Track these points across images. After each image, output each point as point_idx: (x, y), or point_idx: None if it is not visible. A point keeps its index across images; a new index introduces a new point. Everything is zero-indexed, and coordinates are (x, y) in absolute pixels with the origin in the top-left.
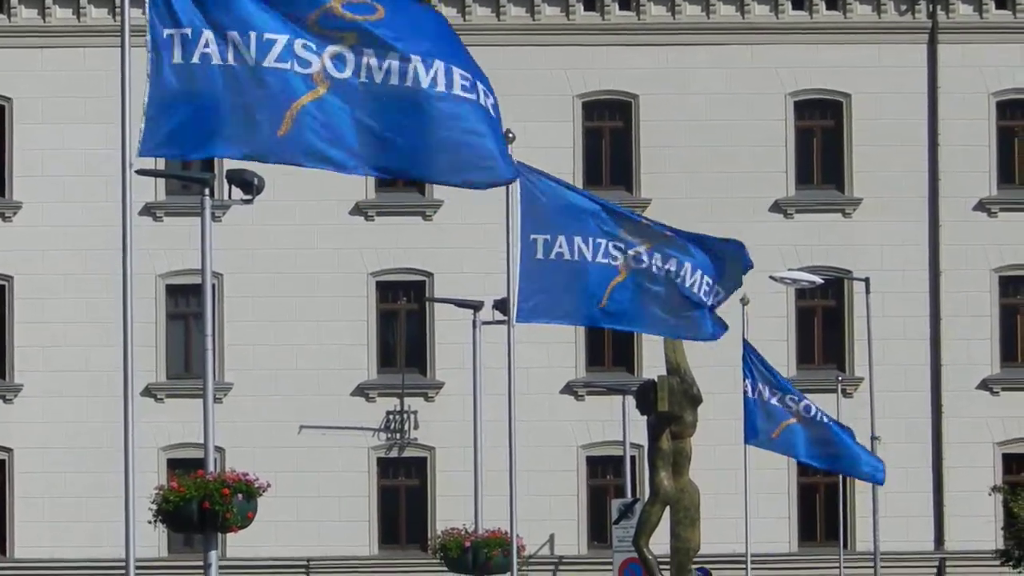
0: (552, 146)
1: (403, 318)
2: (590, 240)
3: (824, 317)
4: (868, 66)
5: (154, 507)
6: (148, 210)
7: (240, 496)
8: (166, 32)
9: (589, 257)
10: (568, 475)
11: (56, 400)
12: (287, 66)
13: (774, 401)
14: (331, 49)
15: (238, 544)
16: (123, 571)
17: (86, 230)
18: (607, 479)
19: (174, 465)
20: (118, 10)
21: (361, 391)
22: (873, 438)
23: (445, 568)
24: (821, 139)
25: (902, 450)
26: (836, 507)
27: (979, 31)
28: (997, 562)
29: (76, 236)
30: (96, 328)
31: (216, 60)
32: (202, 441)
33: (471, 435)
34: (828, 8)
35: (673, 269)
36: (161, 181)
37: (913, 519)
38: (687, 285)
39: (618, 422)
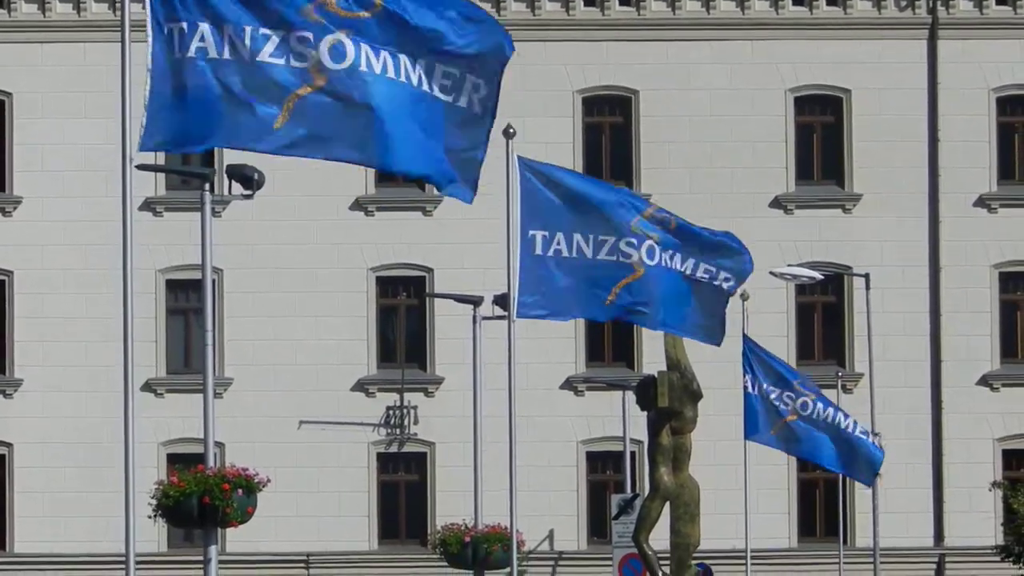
0: (552, 142)
1: (403, 313)
2: (591, 237)
3: (824, 313)
4: (868, 62)
5: (154, 502)
6: (148, 205)
7: (240, 491)
8: (165, 27)
9: (590, 254)
10: (568, 471)
11: (56, 395)
12: (282, 62)
13: (773, 397)
14: (329, 38)
15: (238, 539)
16: (123, 566)
17: (86, 225)
18: (607, 475)
19: (174, 460)
20: (118, 5)
21: (361, 386)
22: (873, 434)
23: (445, 563)
24: (821, 135)
25: (902, 446)
26: (836, 503)
27: (979, 27)
28: (997, 558)
29: (76, 231)
30: (96, 323)
31: (213, 54)
32: (202, 436)
33: (471, 430)
34: (828, 4)
35: (691, 264)
36: (161, 176)
37: (913, 515)
38: (699, 276)
39: (618, 418)
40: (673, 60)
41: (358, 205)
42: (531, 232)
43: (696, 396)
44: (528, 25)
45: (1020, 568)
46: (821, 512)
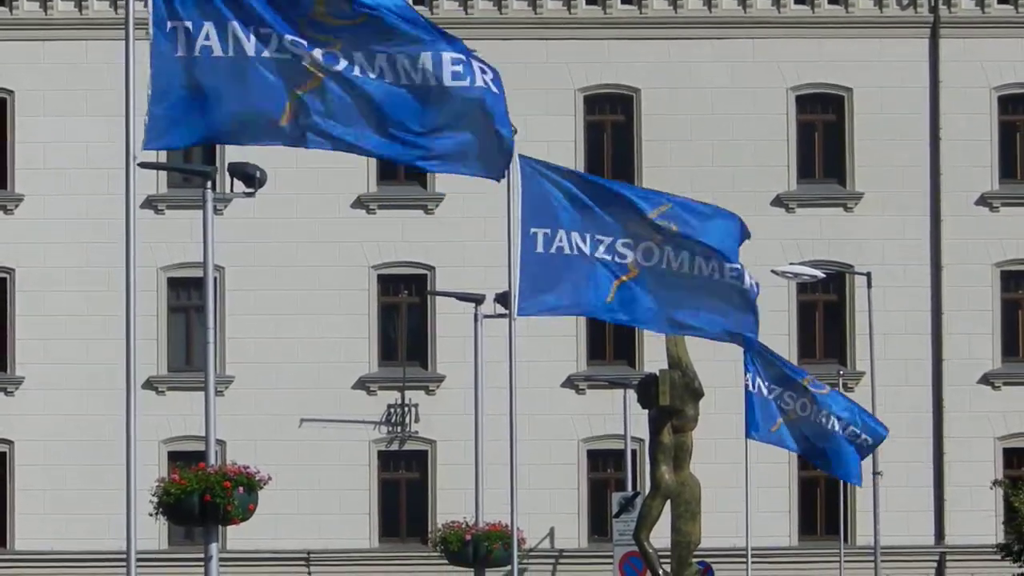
0: (554, 140)
1: (404, 311)
2: (588, 236)
3: (825, 311)
4: (870, 60)
5: (155, 500)
6: (150, 203)
7: (241, 489)
8: (168, 25)
9: (588, 253)
10: (569, 468)
11: (57, 393)
12: (286, 56)
13: (774, 396)
14: (324, 49)
15: (238, 537)
16: (124, 563)
17: (87, 223)
18: (608, 473)
19: (175, 458)
20: (120, 3)
21: (362, 384)
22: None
23: (446, 561)
24: (823, 133)
25: (903, 445)
26: (837, 501)
27: (981, 26)
28: (998, 556)
29: (77, 229)
30: (97, 321)
31: (217, 52)
32: (203, 434)
33: (472, 428)
34: (830, 2)
35: (687, 262)
36: (163, 174)
37: (914, 513)
38: (706, 274)
39: (619, 416)
40: (675, 58)
41: (360, 203)
42: (533, 230)
43: (697, 394)
44: (530, 23)
45: (1021, 566)
46: (822, 510)
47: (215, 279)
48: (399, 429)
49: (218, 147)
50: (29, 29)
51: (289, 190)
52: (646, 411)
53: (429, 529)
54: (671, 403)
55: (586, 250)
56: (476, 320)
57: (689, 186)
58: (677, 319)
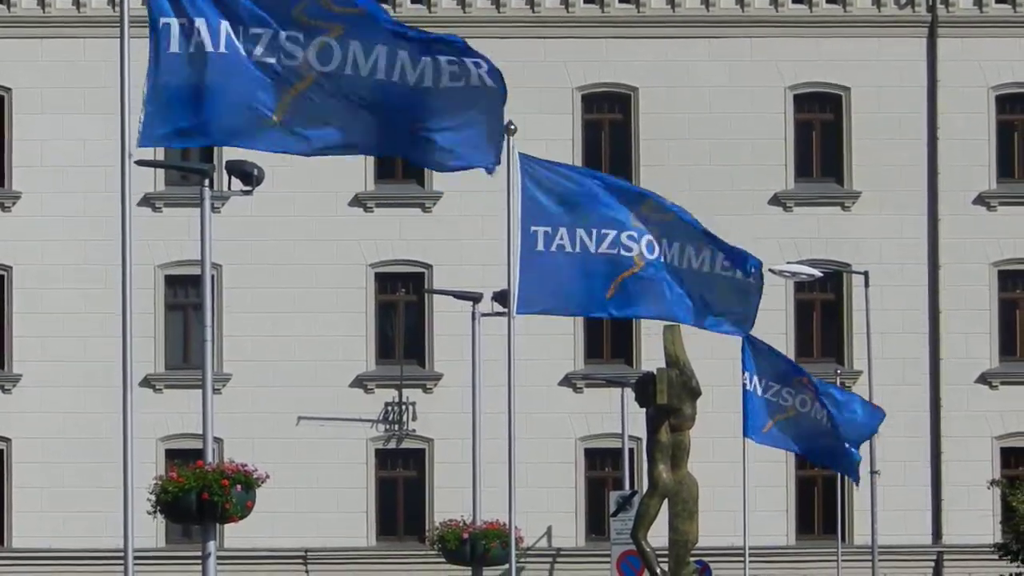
0: (552, 138)
1: (402, 310)
2: (594, 231)
3: (823, 310)
4: (868, 60)
5: (153, 498)
6: (147, 200)
7: (239, 487)
8: (163, 22)
9: (592, 248)
10: (566, 467)
11: (54, 390)
12: (273, 60)
13: (770, 395)
14: (317, 41)
15: (236, 535)
16: (121, 561)
17: (85, 221)
18: (605, 471)
19: (172, 456)
20: (117, 1)
21: (360, 382)
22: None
23: (443, 560)
24: (820, 132)
25: (900, 444)
26: (834, 500)
27: (979, 25)
28: (995, 556)
29: (75, 227)
30: (95, 318)
31: (210, 49)
32: (200, 432)
33: (469, 427)
34: (828, 1)
35: (679, 255)
36: (160, 172)
37: (911, 513)
38: (707, 269)
39: (617, 414)
40: (672, 57)
41: (357, 201)
42: (533, 228)
43: (695, 393)
44: (528, 22)
45: (1019, 566)
46: (819, 509)
47: (212, 277)
48: (396, 427)
49: (216, 146)
50: (26, 26)
51: (287, 188)
52: (644, 410)
53: (427, 527)
54: (669, 402)
55: (591, 246)
56: (474, 318)
57: (687, 185)
58: (679, 312)
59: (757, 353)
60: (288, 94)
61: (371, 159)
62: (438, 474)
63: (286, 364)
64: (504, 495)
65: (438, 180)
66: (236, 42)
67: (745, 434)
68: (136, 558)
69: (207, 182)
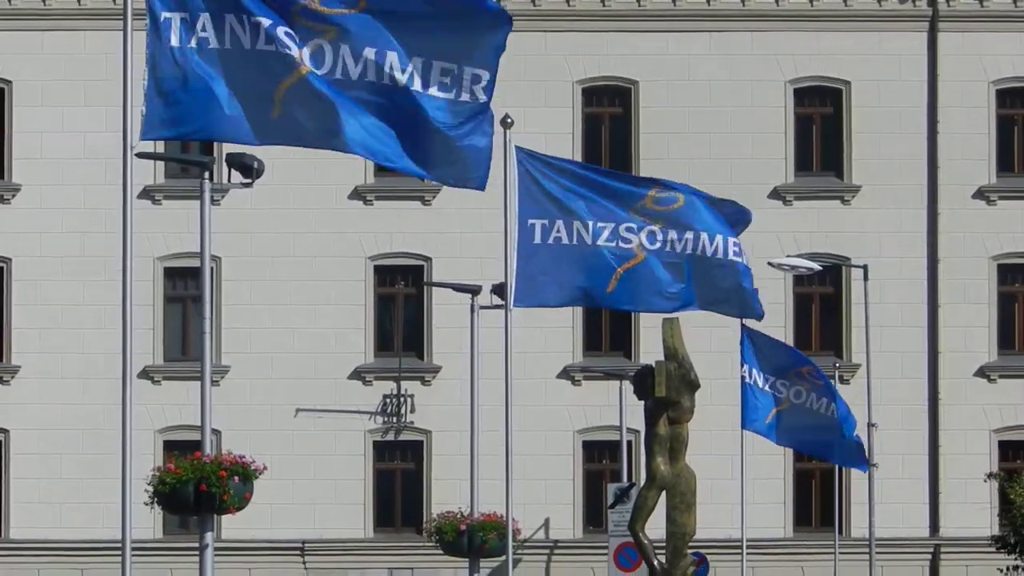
0: (551, 132)
1: (401, 302)
2: (591, 224)
3: (822, 304)
4: (868, 54)
5: (150, 489)
6: (147, 193)
7: (236, 479)
8: (165, 15)
9: (590, 241)
10: (564, 459)
11: (53, 382)
12: (272, 48)
13: (767, 388)
14: (313, 43)
15: (233, 526)
16: (119, 553)
17: (85, 213)
18: (603, 464)
19: (170, 447)
20: None
21: (358, 374)
22: (870, 425)
23: (440, 551)
24: (820, 126)
25: (899, 437)
26: (832, 493)
27: (979, 19)
28: (992, 549)
29: (75, 219)
30: (94, 311)
31: (213, 44)
32: (199, 423)
33: (467, 419)
34: None
35: (691, 241)
36: (160, 164)
37: (909, 505)
38: (710, 254)
39: (615, 407)
40: (673, 51)
41: (357, 194)
42: (530, 221)
43: (693, 386)
44: (528, 15)
45: (1016, 559)
46: (817, 502)
47: (212, 269)
48: (395, 419)
49: (217, 141)
50: (27, 19)
51: (286, 181)
52: (642, 402)
53: (424, 519)
54: (667, 394)
55: (588, 238)
56: (472, 311)
57: (687, 179)
58: (680, 301)
59: (756, 345)
60: (282, 87)
61: None
62: (436, 466)
63: (284, 356)
64: (502, 487)
65: None
66: (238, 36)
67: (743, 426)
68: (134, 549)
69: (207, 175)
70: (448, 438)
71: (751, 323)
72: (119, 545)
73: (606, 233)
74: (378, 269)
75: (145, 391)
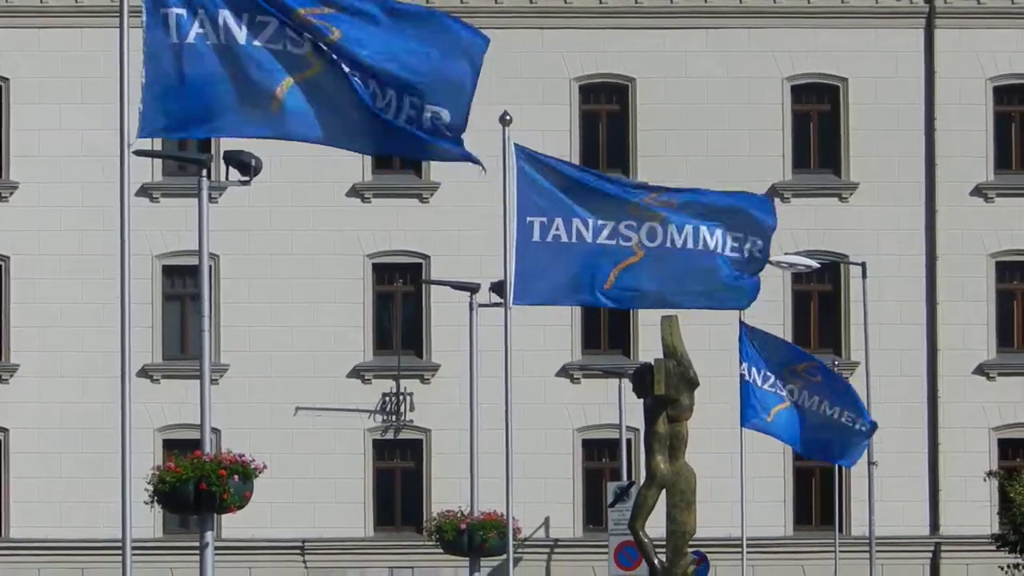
0: (549, 129)
1: (399, 300)
2: (590, 222)
3: (820, 301)
4: (865, 51)
5: (150, 488)
6: (145, 191)
7: (236, 477)
8: (162, 12)
9: (589, 239)
10: (564, 458)
11: (52, 381)
12: (279, 47)
13: (767, 386)
14: (322, 40)
15: (233, 525)
16: (119, 552)
17: (83, 211)
18: (603, 462)
19: (170, 446)
20: None
21: (357, 373)
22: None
23: (440, 550)
24: (818, 123)
25: (898, 435)
26: (832, 491)
27: (977, 16)
28: (992, 547)
29: (73, 217)
30: (92, 309)
31: (211, 40)
32: (198, 422)
33: (467, 417)
34: None
35: (691, 236)
36: (158, 162)
37: (908, 504)
38: (711, 249)
39: (614, 405)
40: (670, 48)
41: (355, 192)
42: (529, 219)
43: (693, 384)
44: (525, 12)
45: (1016, 557)
46: (817, 500)
47: (210, 267)
48: (394, 418)
49: (214, 137)
50: (24, 16)
51: (284, 178)
52: (641, 400)
53: (424, 518)
54: (666, 392)
55: (588, 236)
56: (471, 309)
57: (684, 176)
58: (678, 298)
59: (755, 343)
60: (285, 84)
61: None
62: (436, 465)
63: (284, 354)
64: (502, 486)
65: (436, 171)
66: (236, 32)
67: (743, 424)
68: (134, 548)
69: (205, 172)
70: (448, 436)
71: (750, 320)
72: (119, 544)
73: (606, 231)
74: (377, 267)
75: (144, 390)
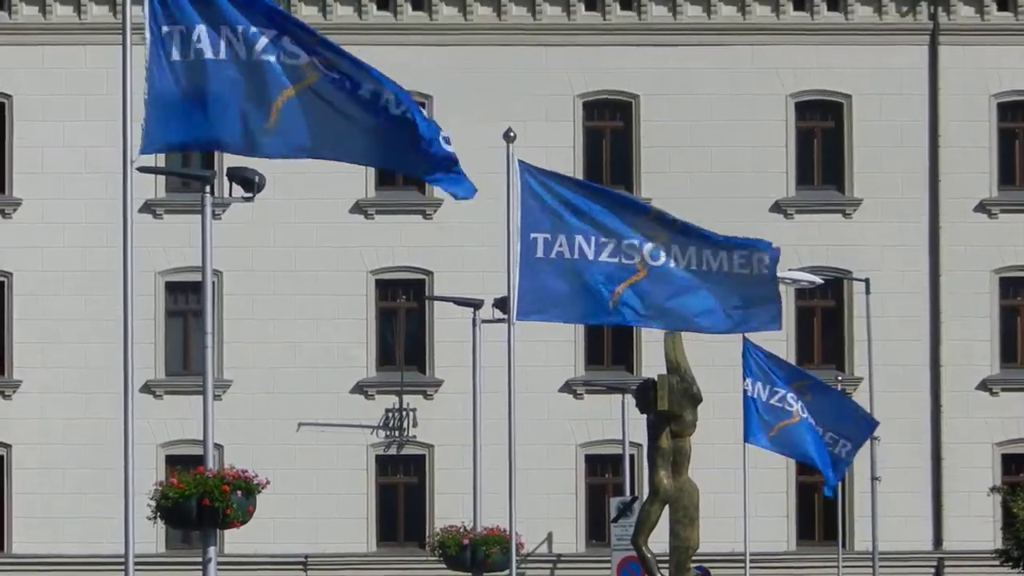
0: (553, 146)
1: (403, 316)
2: (592, 239)
3: (824, 317)
4: (869, 67)
5: (153, 503)
6: (148, 207)
7: (239, 493)
8: (163, 29)
9: (591, 256)
10: (567, 473)
11: (55, 396)
12: (273, 58)
13: (774, 401)
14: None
15: (236, 541)
16: (122, 567)
17: (86, 227)
18: (606, 478)
19: (173, 462)
20: (119, 8)
21: (360, 389)
22: (872, 438)
23: (444, 566)
24: (821, 140)
25: (901, 450)
26: (835, 506)
27: (980, 32)
28: (996, 562)
29: (76, 233)
30: (95, 325)
31: (209, 55)
32: (201, 438)
33: (470, 433)
34: (829, 9)
35: (694, 258)
36: (161, 178)
37: (912, 519)
38: (715, 269)
39: (617, 421)
40: (674, 65)
41: (358, 208)
42: (532, 235)
43: (696, 400)
44: (529, 30)
45: (1020, 572)
46: (820, 515)
47: (213, 283)
48: (397, 434)
49: (216, 151)
50: (28, 34)
51: (288, 195)
52: (644, 416)
53: (427, 533)
54: (669, 408)
55: (590, 254)
56: (474, 325)
57: (688, 193)
58: (685, 318)
59: (758, 359)
60: (282, 98)
61: None
62: (439, 480)
63: (287, 370)
64: (504, 501)
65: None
66: (235, 47)
67: (746, 440)
68: (137, 564)
69: (208, 189)
70: (450, 452)
71: (753, 337)
72: (122, 560)
73: (608, 249)
74: (379, 283)
75: (147, 405)
